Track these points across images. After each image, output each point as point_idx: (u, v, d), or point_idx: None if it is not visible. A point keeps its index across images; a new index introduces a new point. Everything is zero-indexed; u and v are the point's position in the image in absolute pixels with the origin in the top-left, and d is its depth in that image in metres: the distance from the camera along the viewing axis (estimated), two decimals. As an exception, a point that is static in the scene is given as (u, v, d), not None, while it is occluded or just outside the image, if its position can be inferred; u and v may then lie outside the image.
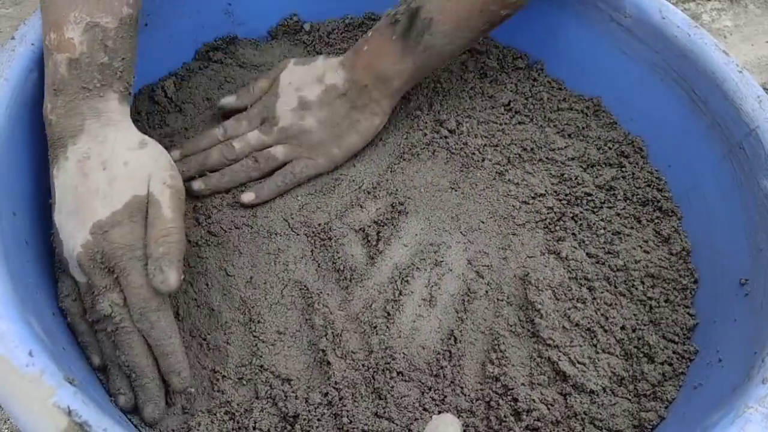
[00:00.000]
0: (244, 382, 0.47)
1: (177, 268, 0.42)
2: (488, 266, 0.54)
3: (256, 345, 0.48)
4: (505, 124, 0.63)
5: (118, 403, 0.43)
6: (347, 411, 0.45)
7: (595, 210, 0.58)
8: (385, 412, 0.46)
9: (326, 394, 0.46)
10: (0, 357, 0.34)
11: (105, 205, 0.42)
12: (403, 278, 0.52)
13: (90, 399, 0.34)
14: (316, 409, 0.46)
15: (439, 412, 0.46)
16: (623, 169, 0.61)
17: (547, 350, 0.50)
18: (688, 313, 0.53)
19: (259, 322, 0.49)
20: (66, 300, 0.44)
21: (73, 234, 0.42)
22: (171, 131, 0.58)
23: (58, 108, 0.44)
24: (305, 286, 0.51)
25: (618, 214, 0.58)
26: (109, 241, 0.42)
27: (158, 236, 0.42)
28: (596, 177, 0.60)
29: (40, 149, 0.48)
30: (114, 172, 0.43)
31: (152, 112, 0.59)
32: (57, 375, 0.34)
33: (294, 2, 0.68)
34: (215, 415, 0.45)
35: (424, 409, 0.46)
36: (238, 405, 0.45)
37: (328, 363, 0.47)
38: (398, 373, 0.48)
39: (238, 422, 0.45)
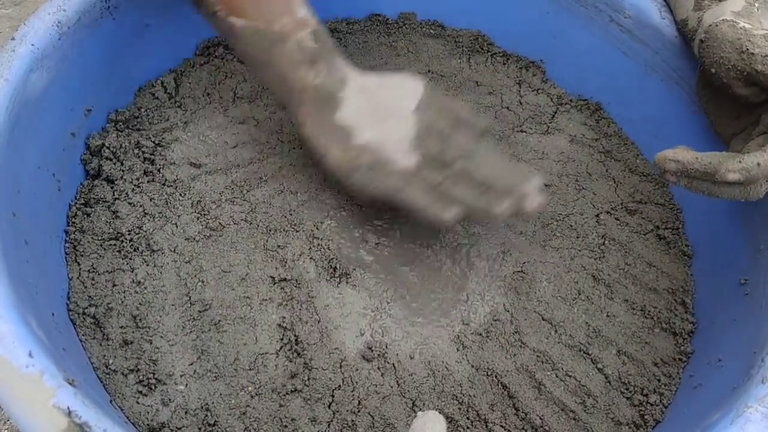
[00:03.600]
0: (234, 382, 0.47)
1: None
2: (483, 257, 0.54)
3: (245, 343, 0.48)
4: (504, 129, 0.63)
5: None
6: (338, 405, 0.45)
7: (594, 211, 0.58)
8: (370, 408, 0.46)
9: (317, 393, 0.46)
10: None
11: (409, 101, 0.51)
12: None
13: (90, 400, 0.34)
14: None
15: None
16: (622, 170, 0.61)
17: (546, 351, 0.50)
18: (687, 313, 0.53)
19: (251, 319, 0.49)
20: (405, 181, 0.49)
21: (397, 130, 0.50)
22: (170, 126, 0.58)
23: (320, 71, 0.50)
24: (300, 284, 0.51)
25: (617, 218, 0.58)
26: (428, 114, 0.50)
27: (457, 102, 0.53)
28: (596, 178, 0.60)
29: (40, 149, 0.48)
30: (395, 83, 0.52)
31: (152, 108, 0.59)
32: (57, 376, 0.34)
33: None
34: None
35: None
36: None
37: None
38: (393, 371, 0.48)
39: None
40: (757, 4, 0.52)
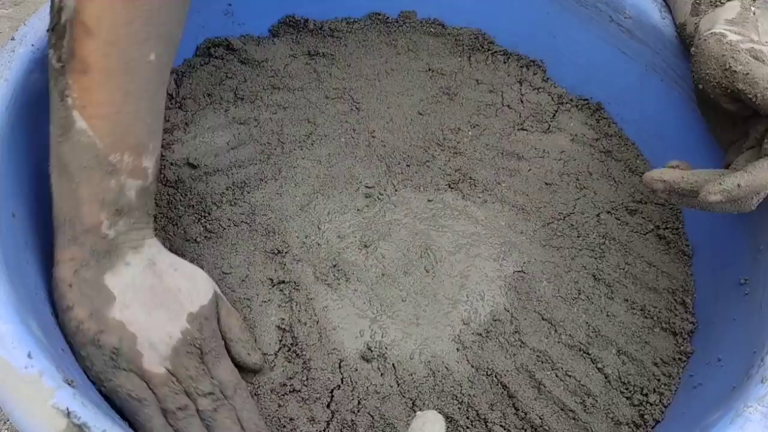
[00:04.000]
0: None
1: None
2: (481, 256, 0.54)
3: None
4: (505, 126, 0.63)
5: None
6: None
7: (595, 211, 0.58)
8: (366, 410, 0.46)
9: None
10: (-1, 358, 0.34)
11: (192, 301, 0.45)
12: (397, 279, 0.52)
13: (89, 400, 0.34)
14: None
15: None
16: (623, 169, 0.61)
17: (546, 351, 0.50)
18: (687, 313, 0.53)
19: (251, 320, 0.49)
20: (142, 392, 0.41)
21: (161, 326, 0.43)
22: (171, 126, 0.58)
23: (119, 226, 0.43)
24: (299, 286, 0.51)
25: (617, 218, 0.58)
26: (203, 330, 0.45)
27: (238, 324, 0.47)
28: (596, 177, 0.60)
29: (40, 150, 0.48)
30: (187, 274, 0.46)
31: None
32: (56, 376, 0.34)
33: (294, 3, 0.68)
34: None
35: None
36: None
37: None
38: (389, 372, 0.48)
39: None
40: (753, 8, 0.51)
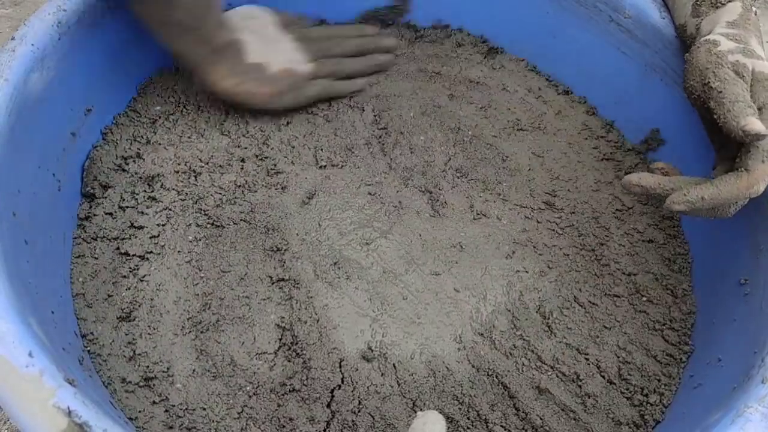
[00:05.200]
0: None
1: None
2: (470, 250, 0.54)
3: (243, 343, 0.48)
4: (505, 126, 0.63)
5: None
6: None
7: (594, 210, 0.58)
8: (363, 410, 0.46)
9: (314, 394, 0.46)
10: (-1, 357, 0.34)
11: (273, 25, 0.63)
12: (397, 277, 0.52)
13: (90, 400, 0.34)
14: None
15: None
16: (623, 170, 0.61)
17: (546, 351, 0.50)
18: (687, 313, 0.53)
19: (250, 319, 0.49)
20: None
21: (281, 52, 0.61)
22: (171, 125, 0.58)
23: (227, 28, 0.58)
24: (299, 284, 0.51)
25: (617, 218, 0.58)
26: (296, 31, 0.64)
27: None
28: (596, 178, 0.60)
29: (40, 149, 0.48)
30: (254, 21, 0.62)
31: (152, 108, 0.59)
32: (57, 376, 0.34)
33: (291, 4, 0.68)
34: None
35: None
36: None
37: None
38: (388, 371, 0.48)
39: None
40: (755, 8, 0.51)
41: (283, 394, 0.46)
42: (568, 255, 0.56)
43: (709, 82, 0.46)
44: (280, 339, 0.48)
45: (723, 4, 0.52)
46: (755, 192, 0.44)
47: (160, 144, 0.57)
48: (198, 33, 0.55)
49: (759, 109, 0.45)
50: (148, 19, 0.53)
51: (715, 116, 0.45)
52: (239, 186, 0.55)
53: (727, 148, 0.49)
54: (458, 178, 0.59)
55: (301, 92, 0.60)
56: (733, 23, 0.50)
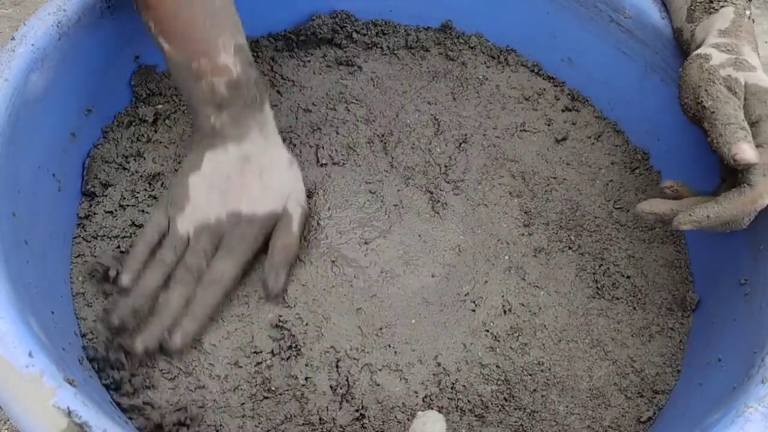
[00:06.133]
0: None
1: (287, 277, 0.50)
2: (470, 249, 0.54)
3: (241, 342, 0.48)
4: (508, 127, 0.63)
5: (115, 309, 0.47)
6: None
7: (594, 212, 0.58)
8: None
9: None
10: (-1, 357, 0.34)
11: (249, 205, 0.50)
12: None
13: (90, 399, 0.34)
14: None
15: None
16: (622, 171, 0.61)
17: (547, 351, 0.50)
18: (687, 313, 0.53)
19: (248, 318, 0.49)
20: (150, 226, 0.50)
21: (209, 204, 0.50)
22: (171, 125, 0.58)
23: (223, 118, 0.50)
24: (298, 283, 0.51)
25: (617, 218, 0.58)
26: (235, 229, 0.50)
27: (282, 245, 0.50)
28: (595, 180, 0.60)
29: (40, 149, 0.48)
30: (267, 183, 0.51)
31: (152, 107, 0.59)
32: (57, 376, 0.34)
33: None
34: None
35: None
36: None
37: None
38: (382, 370, 0.48)
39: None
40: (748, 12, 0.51)
41: (280, 394, 0.46)
42: (567, 256, 0.56)
43: (701, 101, 0.46)
44: (278, 338, 0.48)
45: (716, 9, 0.52)
46: (760, 206, 0.44)
47: (160, 143, 0.57)
48: (188, 100, 0.51)
49: (755, 122, 0.45)
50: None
51: (708, 139, 0.45)
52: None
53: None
54: (460, 179, 0.59)
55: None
56: (725, 31, 0.50)
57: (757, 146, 0.44)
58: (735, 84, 0.46)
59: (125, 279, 0.48)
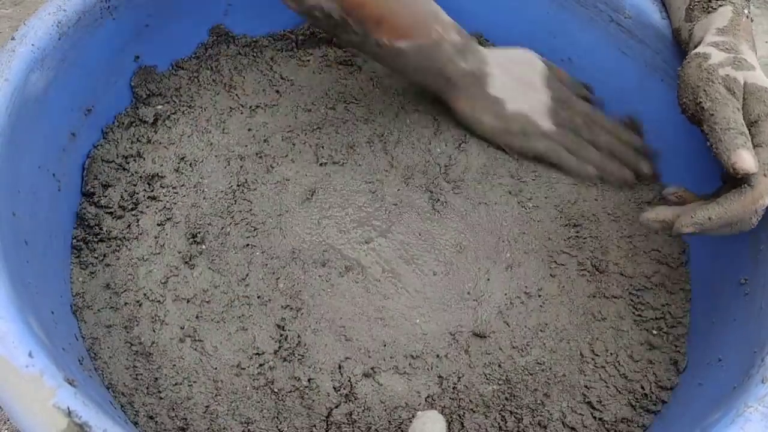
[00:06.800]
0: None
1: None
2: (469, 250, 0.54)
3: (243, 343, 0.48)
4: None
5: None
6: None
7: (594, 211, 0.58)
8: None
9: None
10: (-1, 357, 0.34)
11: (538, 75, 0.62)
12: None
13: (90, 400, 0.34)
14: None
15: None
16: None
17: (546, 351, 0.50)
18: (686, 313, 0.53)
19: (250, 319, 0.49)
20: (553, 145, 0.60)
21: (533, 98, 0.60)
22: (171, 125, 0.58)
23: (468, 59, 0.58)
24: (298, 283, 0.51)
25: (616, 219, 0.58)
26: (556, 89, 0.61)
27: (565, 76, 0.64)
28: (595, 182, 0.60)
29: (40, 149, 0.48)
30: (523, 61, 0.63)
31: (152, 108, 0.59)
32: (57, 376, 0.34)
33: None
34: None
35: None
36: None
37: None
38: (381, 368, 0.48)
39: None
40: (747, 11, 0.51)
41: (282, 395, 0.46)
42: (567, 256, 0.56)
43: (700, 102, 0.46)
44: (280, 339, 0.48)
45: (714, 8, 0.52)
46: (762, 205, 0.44)
47: (160, 143, 0.57)
48: (431, 71, 0.58)
49: (754, 122, 0.45)
50: (382, 64, 0.60)
51: (707, 144, 0.45)
52: (239, 184, 0.55)
53: None
54: (460, 178, 0.59)
55: (529, 141, 0.60)
56: (723, 30, 0.50)
57: (756, 146, 0.44)
58: (734, 84, 0.46)
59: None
